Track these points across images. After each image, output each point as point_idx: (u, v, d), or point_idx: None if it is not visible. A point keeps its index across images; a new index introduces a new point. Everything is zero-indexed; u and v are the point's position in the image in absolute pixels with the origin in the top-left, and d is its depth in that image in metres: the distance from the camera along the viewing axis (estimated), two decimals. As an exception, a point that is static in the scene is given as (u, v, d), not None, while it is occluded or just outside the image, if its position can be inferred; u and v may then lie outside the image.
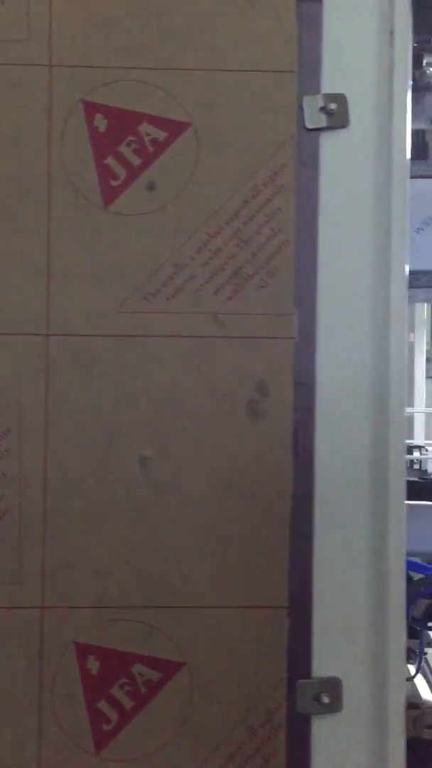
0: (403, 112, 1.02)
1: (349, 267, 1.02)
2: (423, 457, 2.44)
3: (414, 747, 1.86)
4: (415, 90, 1.55)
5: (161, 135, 1.02)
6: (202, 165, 1.02)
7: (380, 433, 1.00)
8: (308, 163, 1.02)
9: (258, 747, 0.98)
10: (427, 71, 1.52)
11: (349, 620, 0.99)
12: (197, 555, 0.99)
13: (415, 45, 1.39)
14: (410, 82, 1.06)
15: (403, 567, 0.98)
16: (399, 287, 1.02)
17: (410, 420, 3.90)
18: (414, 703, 1.81)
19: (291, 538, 0.99)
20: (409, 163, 1.04)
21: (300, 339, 1.01)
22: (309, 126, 1.02)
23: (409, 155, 1.06)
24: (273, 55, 1.02)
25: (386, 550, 0.98)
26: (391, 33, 1.02)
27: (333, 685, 0.98)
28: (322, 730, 0.98)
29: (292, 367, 1.01)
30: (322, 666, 0.99)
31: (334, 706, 0.98)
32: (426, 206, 2.17)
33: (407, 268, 1.03)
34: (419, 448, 2.59)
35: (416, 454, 2.55)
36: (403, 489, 0.99)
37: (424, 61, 1.44)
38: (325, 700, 0.97)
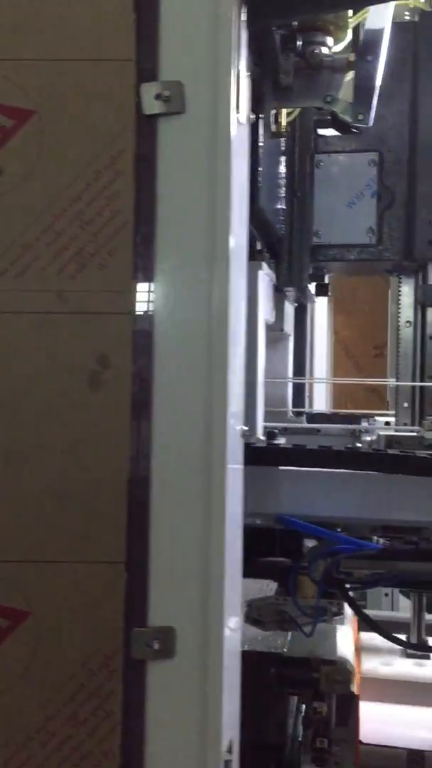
0: (226, 97, 1.07)
1: (184, 245, 1.08)
2: (371, 427, 2.50)
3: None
4: (307, 69, 1.59)
5: (8, 122, 1.08)
6: (47, 151, 1.08)
7: (212, 401, 1.07)
8: (146, 149, 1.08)
9: (97, 688, 1.07)
10: (317, 51, 1.55)
11: (182, 574, 1.06)
12: (42, 514, 1.07)
13: (284, 32, 1.43)
14: (239, 68, 1.11)
15: (225, 526, 1.05)
16: (228, 261, 1.07)
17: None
18: (329, 660, 1.92)
19: (128, 499, 1.07)
20: (233, 146, 1.08)
21: (138, 313, 1.08)
22: (146, 112, 1.08)
23: (237, 137, 1.11)
24: (112, 44, 1.08)
25: (213, 510, 1.05)
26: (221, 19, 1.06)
27: (166, 633, 1.07)
28: (157, 675, 1.07)
29: (131, 340, 1.08)
30: (157, 616, 1.07)
31: (167, 653, 1.06)
32: (357, 181, 2.20)
33: (233, 241, 1.08)
34: (368, 417, 2.64)
35: (364, 423, 2.61)
36: (226, 453, 1.06)
37: (299, 43, 1.47)
38: (156, 646, 1.06)
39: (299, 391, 3.07)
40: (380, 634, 1.69)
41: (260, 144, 1.59)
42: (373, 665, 2.29)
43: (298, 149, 2.13)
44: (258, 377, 1.83)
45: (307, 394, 3.22)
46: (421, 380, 2.27)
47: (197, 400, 1.08)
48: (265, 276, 1.89)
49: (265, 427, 1.92)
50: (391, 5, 1.52)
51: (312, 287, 2.42)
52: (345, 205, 2.15)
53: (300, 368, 3.03)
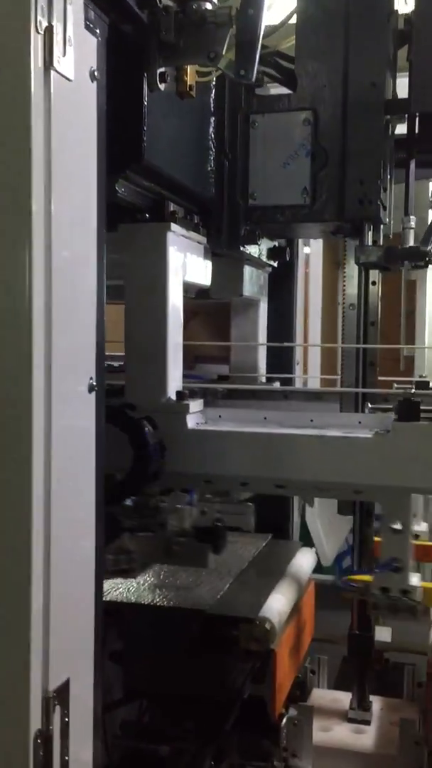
0: (21, 50, 1.08)
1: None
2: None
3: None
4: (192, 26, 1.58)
5: None
6: None
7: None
8: None
9: None
10: (197, 6, 1.53)
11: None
12: None
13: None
14: (51, 21, 1.11)
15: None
16: (30, 228, 1.09)
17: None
18: (248, 618, 1.94)
19: None
20: (34, 104, 1.09)
21: None
22: None
23: (50, 94, 1.12)
24: None
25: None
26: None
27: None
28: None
29: None
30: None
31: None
32: (292, 140, 2.15)
33: (37, 206, 1.10)
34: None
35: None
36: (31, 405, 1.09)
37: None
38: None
39: (286, 357, 3.05)
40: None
41: (144, 102, 1.58)
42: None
43: (228, 109, 2.11)
44: (169, 340, 1.85)
45: (297, 360, 3.20)
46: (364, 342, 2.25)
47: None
48: (178, 237, 1.90)
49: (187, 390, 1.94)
50: None
51: (262, 251, 2.41)
52: (280, 165, 2.13)
53: (285, 333, 3.02)
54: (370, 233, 2.09)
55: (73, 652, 1.27)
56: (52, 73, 1.15)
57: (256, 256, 2.33)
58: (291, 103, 2.12)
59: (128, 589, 2.02)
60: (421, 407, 1.68)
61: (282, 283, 2.88)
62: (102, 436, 1.35)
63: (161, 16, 1.55)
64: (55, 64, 1.16)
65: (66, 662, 1.24)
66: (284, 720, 2.06)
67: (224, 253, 2.18)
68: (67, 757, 1.24)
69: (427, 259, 2.09)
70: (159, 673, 1.97)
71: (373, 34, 2.00)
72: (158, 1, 1.54)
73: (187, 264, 1.95)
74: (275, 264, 2.59)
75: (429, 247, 2.08)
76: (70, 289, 1.23)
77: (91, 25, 1.30)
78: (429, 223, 2.16)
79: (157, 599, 1.98)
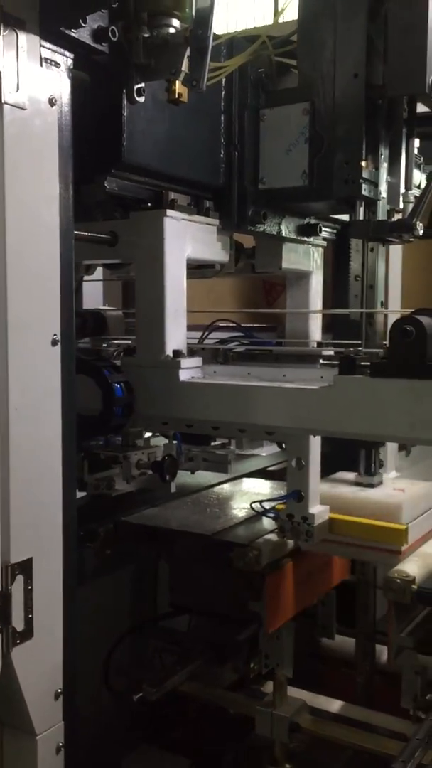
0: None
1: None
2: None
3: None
4: (158, 48, 1.92)
5: None
6: None
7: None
8: None
9: None
10: (164, 31, 1.85)
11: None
12: None
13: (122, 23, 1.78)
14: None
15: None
16: None
17: None
18: (241, 544, 2.28)
19: None
20: None
21: None
22: None
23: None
24: None
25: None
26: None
27: None
28: None
29: None
30: None
31: None
32: (294, 129, 2.40)
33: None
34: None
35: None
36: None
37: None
38: None
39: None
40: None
41: (123, 113, 1.96)
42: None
43: (237, 106, 2.42)
44: (167, 308, 2.23)
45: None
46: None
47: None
48: (178, 222, 2.26)
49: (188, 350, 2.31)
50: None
51: (290, 229, 2.70)
52: (284, 152, 2.41)
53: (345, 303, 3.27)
54: (362, 209, 2.33)
55: (37, 538, 1.69)
56: (5, 106, 1.56)
57: (284, 234, 2.62)
58: (293, 97, 2.40)
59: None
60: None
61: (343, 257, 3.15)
62: (70, 382, 1.76)
63: (134, 41, 1.90)
64: (6, 98, 1.56)
65: (28, 544, 1.66)
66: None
67: (236, 231, 2.50)
68: (30, 616, 1.67)
69: (414, 231, 2.30)
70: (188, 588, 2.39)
71: (354, 28, 2.23)
72: (128, 30, 1.89)
73: (188, 243, 2.30)
74: (324, 240, 2.88)
75: (414, 220, 2.28)
76: (30, 262, 1.64)
77: (50, 62, 1.69)
78: (418, 196, 2.36)
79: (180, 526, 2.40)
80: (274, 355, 2.59)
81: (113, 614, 2.56)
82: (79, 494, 2.19)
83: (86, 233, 2.22)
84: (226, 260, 2.57)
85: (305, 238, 2.83)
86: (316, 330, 3.16)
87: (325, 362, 2.47)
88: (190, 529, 2.39)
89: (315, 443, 2.04)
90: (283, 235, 2.65)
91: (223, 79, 2.37)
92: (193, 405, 2.13)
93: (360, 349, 2.26)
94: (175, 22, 1.90)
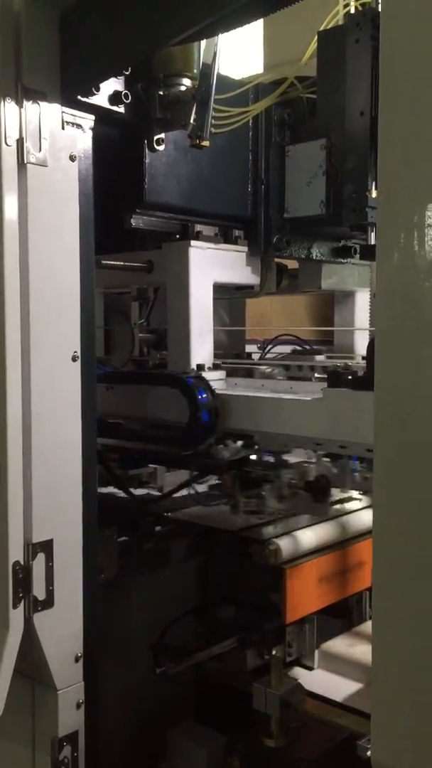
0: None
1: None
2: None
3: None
4: (171, 103, 2.22)
5: None
6: None
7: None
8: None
9: None
10: (175, 89, 2.14)
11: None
12: None
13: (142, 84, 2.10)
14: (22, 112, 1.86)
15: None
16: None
17: None
18: (259, 540, 2.52)
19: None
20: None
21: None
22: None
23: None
24: None
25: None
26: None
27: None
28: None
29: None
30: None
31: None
32: (313, 164, 2.62)
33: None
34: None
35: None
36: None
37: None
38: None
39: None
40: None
41: (145, 160, 2.27)
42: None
43: (263, 144, 2.69)
44: (192, 327, 2.52)
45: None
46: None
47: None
48: (203, 251, 2.55)
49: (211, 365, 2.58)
50: (212, 41, 2.09)
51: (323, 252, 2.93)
52: (305, 184, 2.65)
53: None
54: (373, 234, 2.53)
55: (57, 522, 2.01)
56: (27, 165, 1.90)
57: (315, 257, 2.85)
58: (312, 133, 2.64)
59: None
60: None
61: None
62: (90, 392, 2.07)
63: (152, 99, 2.22)
64: (29, 158, 1.90)
65: (49, 527, 1.98)
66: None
67: (263, 256, 2.76)
68: (51, 588, 1.99)
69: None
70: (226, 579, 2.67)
71: (360, 68, 2.44)
72: (147, 89, 2.21)
73: (215, 269, 2.58)
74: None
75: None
76: (51, 290, 1.97)
77: (72, 124, 2.02)
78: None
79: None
80: (309, 368, 2.81)
81: (173, 602, 2.83)
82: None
83: (126, 263, 2.56)
84: (257, 282, 2.83)
85: (342, 260, 3.04)
86: (362, 345, 3.36)
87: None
88: (219, 525, 2.66)
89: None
90: (314, 257, 2.89)
91: (250, 120, 2.64)
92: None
93: (350, 363, 2.46)
94: (186, 81, 2.21)
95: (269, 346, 3.79)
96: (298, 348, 3.75)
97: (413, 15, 1.31)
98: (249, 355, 3.59)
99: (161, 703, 2.64)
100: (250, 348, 3.85)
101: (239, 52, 4.66)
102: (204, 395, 2.35)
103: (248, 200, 2.69)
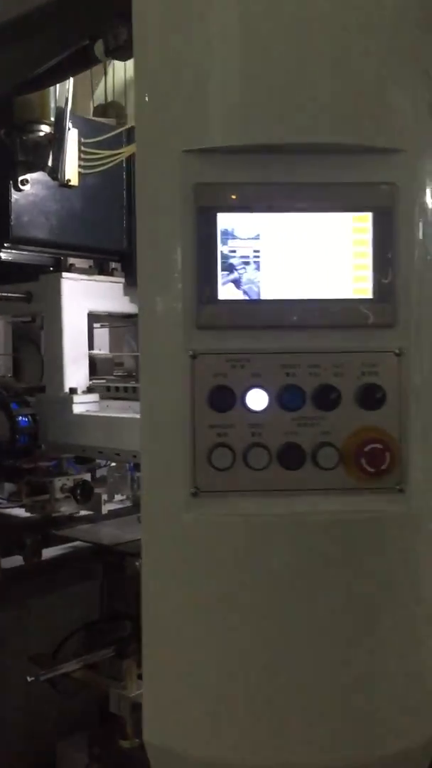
0: None
1: None
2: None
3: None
4: (31, 147, 2.41)
5: None
6: None
7: None
8: None
9: None
10: (35, 135, 2.33)
11: None
12: None
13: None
14: None
15: None
16: None
17: None
18: (133, 553, 2.66)
19: None
20: None
21: None
22: None
23: None
24: None
25: None
26: None
27: None
28: None
29: None
30: None
31: None
32: None
33: None
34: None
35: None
36: None
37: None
38: None
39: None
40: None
41: (11, 199, 2.45)
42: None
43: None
44: (66, 353, 2.68)
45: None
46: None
47: None
48: (76, 282, 2.73)
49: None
50: (63, 87, 2.29)
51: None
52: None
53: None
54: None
55: None
56: None
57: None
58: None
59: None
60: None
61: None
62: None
63: (15, 144, 2.40)
64: None
65: None
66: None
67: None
68: None
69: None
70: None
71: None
72: (10, 134, 2.39)
73: (89, 299, 2.75)
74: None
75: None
76: None
77: None
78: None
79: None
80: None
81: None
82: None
83: (5, 294, 2.73)
84: (136, 311, 3.00)
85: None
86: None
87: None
88: (95, 540, 2.81)
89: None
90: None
91: (123, 161, 2.83)
92: (82, 434, 2.55)
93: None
94: (44, 127, 2.40)
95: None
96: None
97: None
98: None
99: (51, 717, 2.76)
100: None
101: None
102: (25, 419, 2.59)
103: (123, 234, 2.87)
